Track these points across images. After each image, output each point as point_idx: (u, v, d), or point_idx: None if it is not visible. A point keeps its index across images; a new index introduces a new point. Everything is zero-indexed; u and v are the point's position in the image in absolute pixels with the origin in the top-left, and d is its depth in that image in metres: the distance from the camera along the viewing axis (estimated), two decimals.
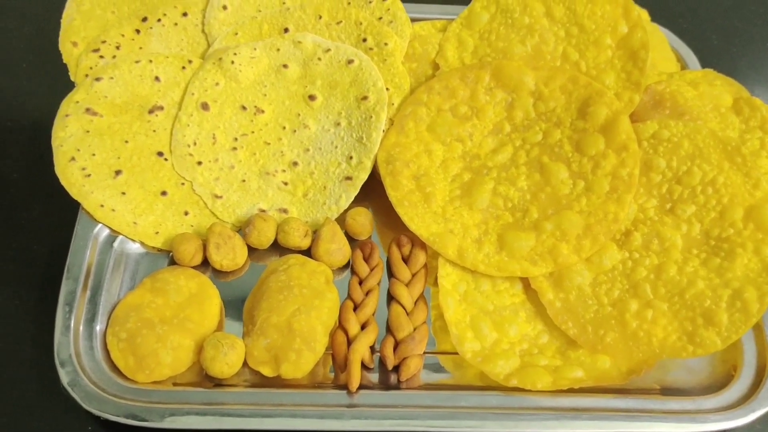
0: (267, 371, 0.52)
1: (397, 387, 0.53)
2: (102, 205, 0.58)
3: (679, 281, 0.54)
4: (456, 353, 0.54)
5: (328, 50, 0.65)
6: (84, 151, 0.59)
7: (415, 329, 0.55)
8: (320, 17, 0.68)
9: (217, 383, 0.53)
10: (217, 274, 0.59)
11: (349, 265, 0.60)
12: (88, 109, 0.61)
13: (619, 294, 0.55)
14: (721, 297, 0.53)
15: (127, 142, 0.61)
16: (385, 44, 0.66)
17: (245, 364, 0.53)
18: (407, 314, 0.56)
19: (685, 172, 0.58)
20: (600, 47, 0.64)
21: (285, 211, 0.61)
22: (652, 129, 0.60)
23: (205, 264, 0.59)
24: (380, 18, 0.68)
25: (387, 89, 0.64)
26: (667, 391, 0.54)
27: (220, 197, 0.61)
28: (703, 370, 0.55)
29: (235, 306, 0.57)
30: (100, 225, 0.58)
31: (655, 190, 0.58)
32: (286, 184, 0.62)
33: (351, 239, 0.61)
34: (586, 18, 0.65)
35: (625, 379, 0.53)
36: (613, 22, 0.64)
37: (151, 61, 0.64)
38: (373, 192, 0.62)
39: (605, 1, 0.64)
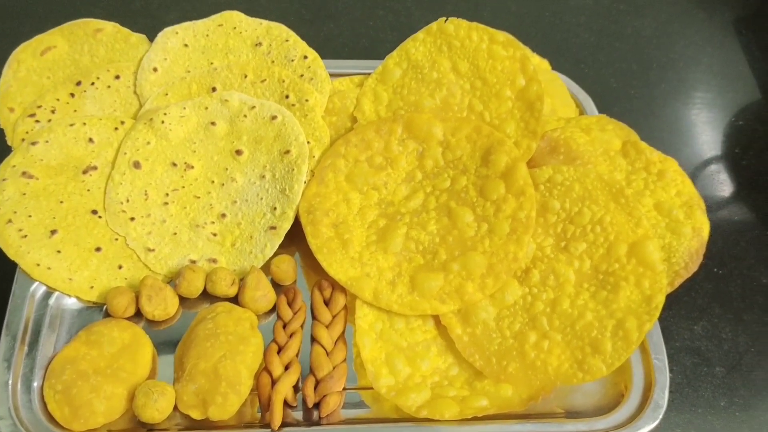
0: (196, 414, 0.57)
1: (318, 423, 0.58)
2: (38, 264, 0.62)
3: (571, 313, 0.60)
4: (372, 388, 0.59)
5: (254, 107, 0.70)
6: (20, 213, 0.63)
7: (334, 368, 0.60)
8: (246, 76, 0.73)
9: (150, 428, 0.57)
10: (151, 323, 0.63)
11: (274, 310, 0.64)
12: (24, 173, 0.65)
13: (520, 327, 0.61)
14: (606, 327, 0.59)
15: (62, 202, 0.65)
16: (306, 100, 0.71)
17: (176, 408, 0.57)
18: (327, 354, 0.61)
19: (576, 212, 0.64)
20: (501, 99, 0.70)
21: (214, 260, 0.65)
22: (547, 174, 0.66)
23: (138, 314, 0.63)
24: (302, 75, 0.73)
25: (308, 142, 0.69)
26: (569, 414, 0.60)
27: (153, 250, 0.65)
28: (597, 392, 0.61)
29: (168, 353, 0.61)
30: (36, 282, 0.62)
31: (551, 229, 0.64)
32: (215, 235, 0.66)
33: (277, 285, 0.66)
34: (488, 72, 0.71)
35: (525, 405, 0.58)
36: (512, 75, 0.70)
37: (84, 123, 0.68)
38: (297, 237, 0.67)
39: (504, 57, 0.70)
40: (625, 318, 0.58)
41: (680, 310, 0.68)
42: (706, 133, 0.83)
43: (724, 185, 0.79)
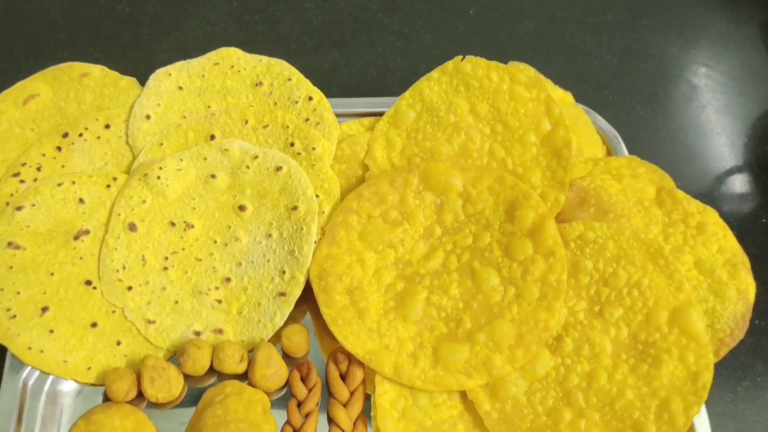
0: None
1: None
2: (30, 348, 0.57)
3: (609, 390, 0.56)
4: None
5: (256, 157, 0.65)
6: (8, 290, 0.58)
7: None
8: (246, 122, 0.67)
9: None
10: (155, 405, 0.58)
11: (287, 384, 0.60)
12: (10, 243, 0.59)
13: (553, 402, 0.56)
14: (650, 408, 0.54)
15: (53, 274, 0.60)
16: (313, 149, 0.66)
17: None
18: None
19: (611, 273, 0.59)
20: (525, 145, 0.64)
21: (220, 331, 0.61)
22: (578, 231, 0.61)
23: (141, 395, 0.58)
24: (307, 119, 0.68)
25: (317, 196, 0.64)
26: None
27: (153, 322, 0.60)
28: None
29: None
30: (29, 368, 0.57)
31: (584, 291, 0.59)
32: (220, 302, 0.61)
33: (288, 356, 0.61)
34: (510, 115, 0.65)
35: None
36: (536, 119, 0.65)
37: (74, 182, 0.63)
38: (309, 297, 0.62)
39: (527, 99, 0.65)
40: (669, 398, 0.54)
41: (721, 368, 0.63)
42: (738, 160, 0.78)
43: (762, 223, 0.74)
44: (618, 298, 0.58)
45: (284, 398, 0.59)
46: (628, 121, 0.76)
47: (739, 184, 0.77)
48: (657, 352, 0.56)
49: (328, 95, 0.70)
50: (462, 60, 0.66)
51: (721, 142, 0.79)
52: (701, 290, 0.59)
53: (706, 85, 0.83)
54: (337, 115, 0.69)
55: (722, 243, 0.61)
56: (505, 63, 0.67)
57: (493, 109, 0.66)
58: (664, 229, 0.62)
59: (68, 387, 0.58)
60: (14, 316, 0.57)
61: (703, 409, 0.56)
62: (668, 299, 0.57)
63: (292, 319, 0.62)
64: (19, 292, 0.58)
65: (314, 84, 0.70)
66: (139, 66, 0.70)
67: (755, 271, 0.66)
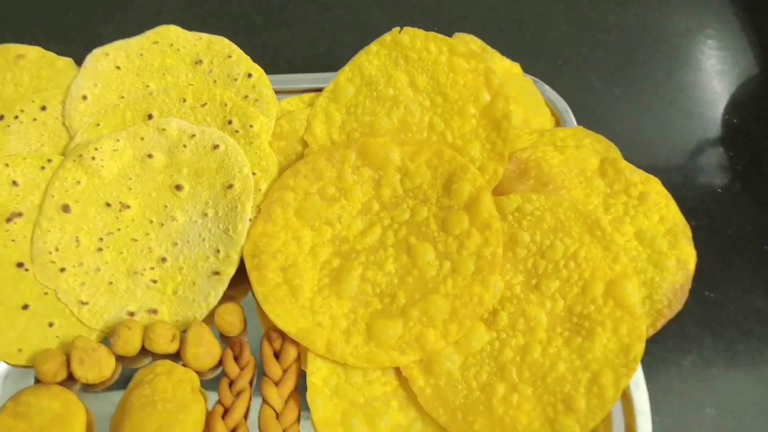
0: None
1: None
2: None
3: (542, 363, 0.54)
4: None
5: (193, 136, 0.64)
6: None
7: (284, 431, 0.55)
8: (184, 100, 0.66)
9: None
10: (87, 386, 0.58)
11: (221, 364, 0.59)
12: None
13: (488, 377, 0.55)
14: (581, 381, 0.53)
15: None
16: (251, 126, 0.65)
17: None
18: (277, 416, 0.55)
19: (548, 246, 0.58)
20: (464, 117, 0.63)
21: (155, 311, 0.60)
22: (515, 203, 0.59)
23: (72, 377, 0.58)
24: (246, 96, 0.67)
25: (254, 174, 0.63)
26: None
27: (87, 303, 0.60)
28: None
29: (107, 415, 0.56)
30: None
31: (521, 265, 0.58)
32: (155, 282, 0.61)
33: (223, 336, 0.60)
34: (449, 87, 0.64)
35: None
36: (475, 91, 0.63)
37: (7, 165, 0.62)
38: (246, 276, 0.61)
39: (466, 70, 0.64)
40: (600, 371, 0.53)
41: (666, 341, 0.62)
42: (699, 134, 0.76)
43: (718, 194, 0.72)
44: (555, 271, 0.57)
45: (219, 378, 0.58)
46: (583, 93, 0.74)
47: (704, 157, 0.76)
48: (591, 325, 0.55)
49: (275, 72, 0.69)
50: (399, 32, 0.65)
51: (682, 115, 0.78)
52: (640, 261, 0.58)
53: (667, 56, 0.81)
54: (280, 92, 0.68)
55: (664, 213, 0.60)
56: None
57: (432, 82, 0.64)
58: (605, 199, 0.61)
59: None
60: None
61: (642, 382, 0.55)
62: (604, 271, 0.56)
63: (233, 299, 0.61)
64: None
65: (262, 61, 0.69)
66: (85, 47, 0.69)
67: (714, 246, 0.65)
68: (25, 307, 0.59)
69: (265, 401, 0.56)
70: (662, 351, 0.61)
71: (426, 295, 0.58)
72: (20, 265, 0.60)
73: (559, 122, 0.70)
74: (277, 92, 0.68)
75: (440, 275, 0.58)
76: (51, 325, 0.59)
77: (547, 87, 0.71)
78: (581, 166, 0.62)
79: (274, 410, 0.56)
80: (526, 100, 0.69)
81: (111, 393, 0.58)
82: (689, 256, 0.58)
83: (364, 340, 0.57)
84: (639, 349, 0.53)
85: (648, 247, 0.58)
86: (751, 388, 0.60)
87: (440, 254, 0.59)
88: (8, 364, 0.58)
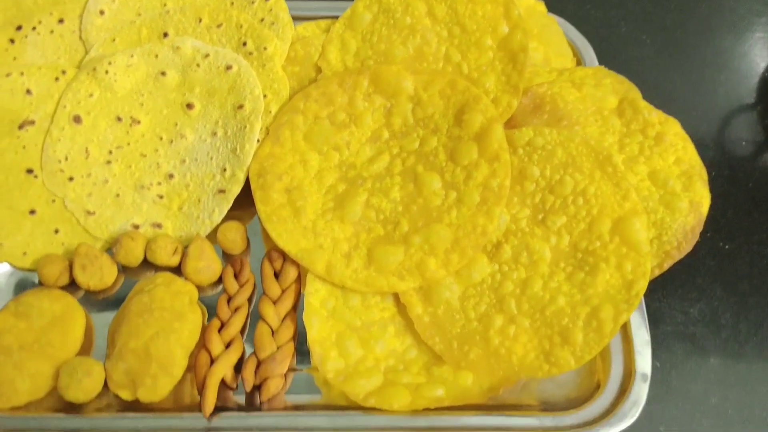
0: (126, 395, 0.53)
1: (258, 409, 0.53)
2: None
3: (542, 297, 0.53)
4: None
5: (207, 55, 0.64)
6: None
7: (278, 348, 0.55)
8: (200, 20, 0.66)
9: (80, 408, 0.53)
10: (89, 293, 0.59)
11: (221, 282, 0.59)
12: None
13: (486, 308, 0.54)
14: (579, 315, 0.52)
15: None
16: (265, 48, 0.64)
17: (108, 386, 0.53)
18: (272, 333, 0.55)
19: (557, 181, 0.56)
20: (481, 48, 0.62)
21: (159, 225, 0.60)
22: (527, 136, 0.58)
23: (75, 285, 0.58)
24: (262, 19, 0.66)
25: (265, 96, 0.63)
26: (543, 406, 0.54)
27: (93, 213, 0.60)
28: (571, 383, 0.55)
29: (106, 324, 0.57)
30: None
31: (528, 199, 0.57)
32: (161, 197, 0.61)
33: (226, 254, 0.60)
34: (468, 17, 0.62)
35: (485, 396, 0.53)
36: (494, 22, 0.62)
37: (22, 73, 0.63)
38: (253, 200, 0.61)
39: (486, 0, 0.62)
40: (600, 305, 0.52)
41: (676, 289, 0.60)
42: (727, 88, 0.73)
43: (742, 149, 0.69)
44: (562, 206, 0.56)
45: (215, 296, 0.59)
46: (608, 37, 0.72)
47: (732, 113, 0.73)
48: (595, 261, 0.53)
49: None
50: None
51: (713, 69, 0.75)
52: (652, 201, 0.56)
53: (702, 9, 0.78)
54: (297, 18, 0.67)
55: (680, 154, 0.58)
56: None
57: (450, 11, 0.63)
58: (621, 139, 0.59)
59: (2, 271, 0.59)
60: None
61: (642, 310, 0.54)
62: (613, 208, 0.54)
63: (238, 220, 0.61)
64: None
65: None
66: None
67: (733, 197, 0.63)
68: (32, 212, 0.59)
69: (262, 318, 0.56)
70: (670, 299, 0.60)
71: (429, 223, 0.57)
72: (30, 171, 0.60)
73: (580, 63, 0.68)
74: (293, 18, 0.67)
75: (445, 205, 0.57)
76: (57, 232, 0.59)
77: (570, 26, 0.69)
78: (599, 104, 0.60)
79: (270, 327, 0.56)
80: (548, 39, 0.67)
81: (112, 302, 0.58)
82: (703, 198, 0.56)
83: (364, 265, 0.56)
84: (642, 285, 0.51)
85: (661, 188, 0.57)
86: (760, 342, 0.58)
87: (447, 184, 0.58)
88: (13, 266, 0.59)
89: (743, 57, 0.75)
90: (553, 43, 0.68)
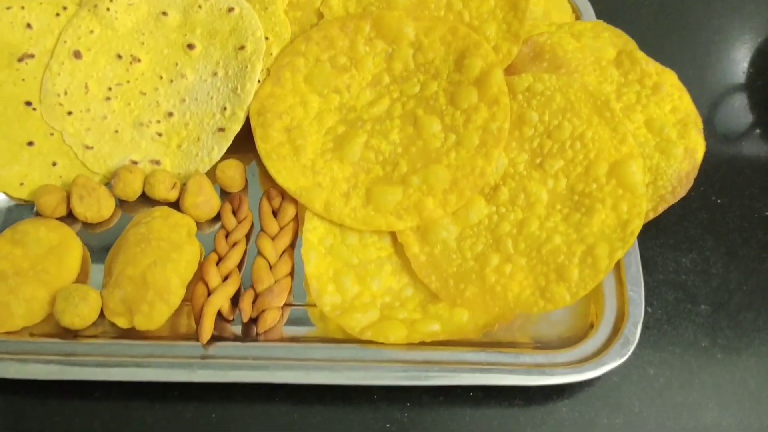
0: (122, 323, 0.53)
1: (255, 339, 0.53)
2: None
3: (538, 236, 0.54)
4: None
5: None
6: None
7: (276, 282, 0.55)
8: None
9: (76, 335, 0.53)
10: (87, 227, 0.59)
11: (219, 219, 0.59)
12: None
13: (483, 248, 0.55)
14: (575, 252, 0.53)
15: None
16: None
17: (104, 315, 0.53)
18: (270, 267, 0.56)
19: (556, 126, 0.57)
20: None
21: (157, 162, 0.60)
22: (526, 82, 0.59)
23: (73, 217, 0.58)
24: None
25: (266, 38, 0.63)
26: (536, 345, 0.54)
27: (91, 148, 0.60)
28: (564, 323, 0.55)
29: (102, 257, 0.57)
30: None
31: (526, 144, 0.58)
32: (160, 135, 0.61)
33: (225, 193, 0.61)
34: None
35: (480, 332, 0.53)
36: None
37: (23, 7, 0.62)
38: (252, 143, 0.61)
39: None
40: (596, 243, 0.52)
41: (668, 239, 0.61)
42: (727, 52, 0.74)
43: (738, 110, 0.70)
44: (560, 151, 0.56)
45: (215, 234, 0.59)
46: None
47: (722, 72, 0.74)
48: (591, 202, 0.54)
49: None
50: None
51: (714, 29, 0.76)
52: (648, 147, 0.57)
53: None
54: None
55: (677, 104, 0.59)
56: None
57: None
58: (618, 88, 0.60)
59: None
60: None
61: (635, 255, 0.55)
62: (610, 152, 0.55)
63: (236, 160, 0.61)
64: None
65: None
66: None
67: (725, 152, 0.64)
68: (30, 143, 0.59)
69: (260, 253, 0.56)
70: (663, 249, 0.61)
71: (428, 164, 0.57)
72: (28, 103, 0.60)
73: (579, 18, 0.69)
74: None
75: (444, 147, 0.58)
76: (54, 164, 0.59)
77: None
78: (597, 54, 0.61)
79: (268, 262, 0.56)
80: None
81: (108, 236, 0.58)
82: (698, 145, 0.57)
83: (362, 204, 0.57)
84: (637, 225, 0.52)
85: (656, 135, 0.58)
86: (749, 291, 0.59)
87: (446, 127, 0.58)
88: (9, 196, 0.58)
89: (742, 23, 0.76)
90: None
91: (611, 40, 0.63)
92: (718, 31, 0.76)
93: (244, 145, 0.61)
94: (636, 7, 0.77)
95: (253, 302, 0.54)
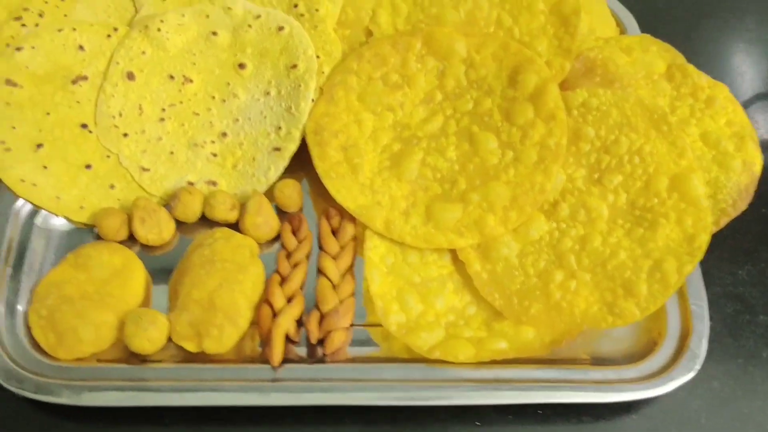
0: (190, 346, 0.52)
1: (322, 361, 0.53)
2: (23, 180, 0.57)
3: (602, 252, 0.54)
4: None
5: (259, 17, 0.64)
6: (3, 124, 0.58)
7: (341, 302, 0.55)
8: None
9: (143, 359, 0.53)
10: (146, 249, 0.58)
11: (278, 239, 0.59)
12: (7, 81, 0.59)
13: (545, 265, 0.55)
14: (642, 268, 0.53)
15: (48, 114, 0.60)
16: (317, 10, 0.64)
17: (171, 339, 0.53)
18: (333, 287, 0.56)
19: (613, 141, 0.57)
20: (533, 13, 0.63)
21: (214, 183, 0.60)
22: (581, 97, 0.59)
23: (133, 239, 0.58)
24: None
25: (317, 57, 0.63)
26: (595, 361, 0.54)
27: (148, 170, 0.60)
28: (627, 339, 0.55)
29: (164, 281, 0.57)
30: (21, 200, 0.57)
31: (584, 159, 0.58)
32: (215, 155, 0.61)
33: (281, 212, 0.61)
34: None
35: (548, 349, 0.54)
36: None
37: (74, 29, 0.62)
38: (306, 161, 0.61)
39: None
40: (663, 258, 0.53)
41: (723, 252, 0.61)
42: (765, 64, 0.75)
43: None
44: (618, 166, 0.57)
45: (274, 254, 0.59)
46: (645, 13, 0.73)
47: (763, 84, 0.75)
48: (654, 217, 0.54)
49: None
50: None
51: (749, 47, 0.76)
52: (705, 161, 0.58)
53: None
54: None
55: (731, 117, 0.59)
56: None
57: None
58: (672, 102, 0.60)
59: (60, 224, 0.58)
60: (8, 149, 0.57)
61: (697, 269, 0.55)
62: (669, 165, 0.55)
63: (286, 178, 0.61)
64: (14, 127, 0.58)
65: None
66: None
67: None
68: (88, 166, 0.59)
69: (322, 273, 0.56)
70: (718, 261, 0.61)
71: (487, 181, 0.57)
72: (84, 126, 0.60)
73: (623, 33, 0.69)
74: None
75: (502, 163, 0.58)
76: (112, 187, 0.59)
77: None
78: (648, 69, 0.62)
79: (331, 282, 0.56)
80: (591, 9, 0.68)
81: (168, 257, 0.58)
82: (755, 158, 0.58)
83: (422, 221, 0.57)
84: (704, 239, 0.53)
85: (713, 148, 0.58)
86: None
87: (503, 143, 0.59)
88: (70, 220, 0.58)
89: None
90: (597, 12, 0.69)
91: (660, 54, 0.63)
92: (754, 42, 0.77)
93: (294, 164, 0.61)
94: (673, 21, 0.77)
95: (319, 323, 0.54)
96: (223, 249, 0.55)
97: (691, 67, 0.61)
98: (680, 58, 0.64)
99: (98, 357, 0.53)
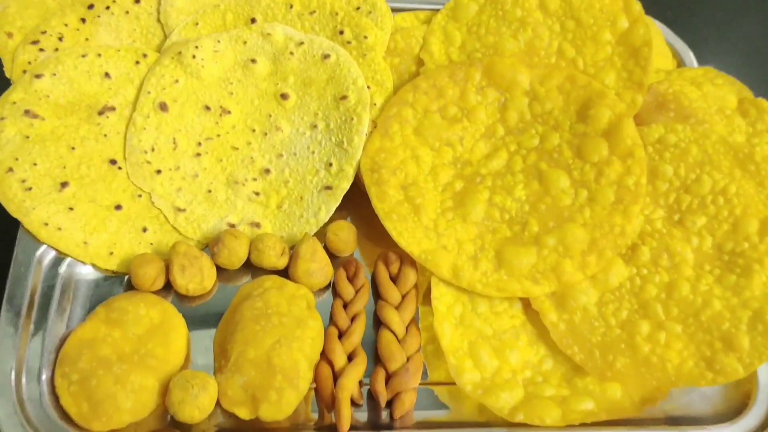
0: (244, 413, 0.46)
1: (389, 426, 0.48)
2: (46, 223, 0.50)
3: (693, 301, 0.50)
4: (452, 383, 0.49)
5: (302, 43, 0.59)
6: (23, 160, 0.52)
7: (408, 359, 0.49)
8: (291, 6, 0.61)
9: (187, 428, 0.46)
10: (182, 299, 0.52)
11: (330, 286, 0.54)
12: (27, 111, 0.53)
13: (628, 314, 0.51)
14: (741, 319, 0.49)
15: (73, 148, 0.53)
16: (365, 37, 0.60)
17: (218, 404, 0.47)
18: (398, 342, 0.50)
19: (693, 180, 0.53)
20: (598, 43, 0.59)
21: (257, 225, 0.54)
22: (657, 133, 0.55)
23: (166, 287, 0.52)
24: (358, 8, 0.61)
25: (368, 87, 0.58)
26: (677, 420, 0.50)
27: (183, 210, 0.54)
28: (716, 395, 0.51)
29: (203, 335, 0.51)
30: (44, 246, 0.50)
31: (661, 199, 0.54)
32: (257, 194, 0.55)
33: (331, 256, 0.55)
34: (583, 11, 0.59)
35: (639, 409, 0.49)
36: (613, 16, 0.59)
37: (99, 55, 0.56)
38: (352, 201, 0.56)
39: None
40: (763, 308, 0.48)
41: None
42: None
43: None
44: (701, 206, 0.53)
45: (325, 303, 0.53)
46: (695, 42, 0.70)
47: None
48: (746, 263, 0.50)
49: None
50: None
51: None
52: None
53: None
54: (392, 9, 0.63)
55: None
56: None
57: (564, 4, 0.60)
58: (749, 139, 0.57)
59: (87, 273, 0.52)
60: (30, 189, 0.51)
61: None
62: (758, 207, 0.52)
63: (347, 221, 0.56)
64: (35, 164, 0.52)
65: None
66: None
67: None
68: (118, 207, 0.53)
69: (385, 326, 0.51)
70: None
71: (561, 223, 0.53)
72: (113, 162, 0.54)
73: (681, 65, 0.66)
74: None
75: (576, 204, 0.53)
76: (144, 230, 0.53)
77: (667, 29, 0.67)
78: (720, 103, 0.58)
79: (396, 336, 0.50)
80: None
81: (208, 308, 0.52)
82: None
83: (493, 267, 0.52)
84: None
85: None
86: None
87: (576, 182, 0.54)
88: (98, 268, 0.52)
89: None
90: (654, 44, 0.65)
91: (728, 88, 0.60)
92: None
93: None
94: (725, 52, 0.75)
95: (386, 382, 0.48)
96: (278, 300, 0.49)
97: (764, 102, 0.58)
98: (747, 92, 0.60)
99: (136, 427, 0.46)
